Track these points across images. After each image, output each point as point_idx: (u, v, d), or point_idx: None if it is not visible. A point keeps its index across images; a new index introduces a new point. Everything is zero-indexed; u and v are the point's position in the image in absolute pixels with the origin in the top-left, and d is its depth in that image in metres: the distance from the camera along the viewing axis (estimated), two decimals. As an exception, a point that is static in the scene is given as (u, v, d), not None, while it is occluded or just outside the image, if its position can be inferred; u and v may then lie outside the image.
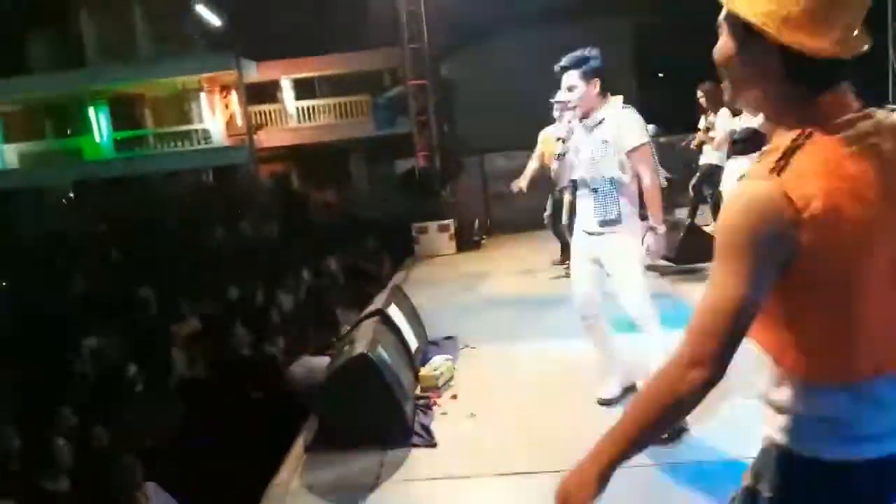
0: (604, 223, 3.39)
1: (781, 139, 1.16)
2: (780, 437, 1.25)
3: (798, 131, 1.14)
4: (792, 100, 1.17)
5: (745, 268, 1.12)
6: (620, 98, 3.44)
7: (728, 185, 5.97)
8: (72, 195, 21.14)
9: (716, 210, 7.26)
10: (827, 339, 1.16)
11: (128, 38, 20.94)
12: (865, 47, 1.15)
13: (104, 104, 20.92)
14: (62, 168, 20.41)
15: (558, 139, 3.73)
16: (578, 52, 3.40)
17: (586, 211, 3.51)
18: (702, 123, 6.97)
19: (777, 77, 1.15)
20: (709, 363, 1.14)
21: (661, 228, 3.38)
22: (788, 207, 1.08)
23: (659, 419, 1.22)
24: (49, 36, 20.73)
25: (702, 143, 6.96)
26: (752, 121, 5.74)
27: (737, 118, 5.99)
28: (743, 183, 1.16)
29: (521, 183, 6.49)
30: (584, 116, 3.44)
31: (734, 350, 1.15)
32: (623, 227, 3.37)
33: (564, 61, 3.40)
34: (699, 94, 6.83)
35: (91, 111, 20.82)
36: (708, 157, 6.93)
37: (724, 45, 1.22)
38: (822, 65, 1.12)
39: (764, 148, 1.21)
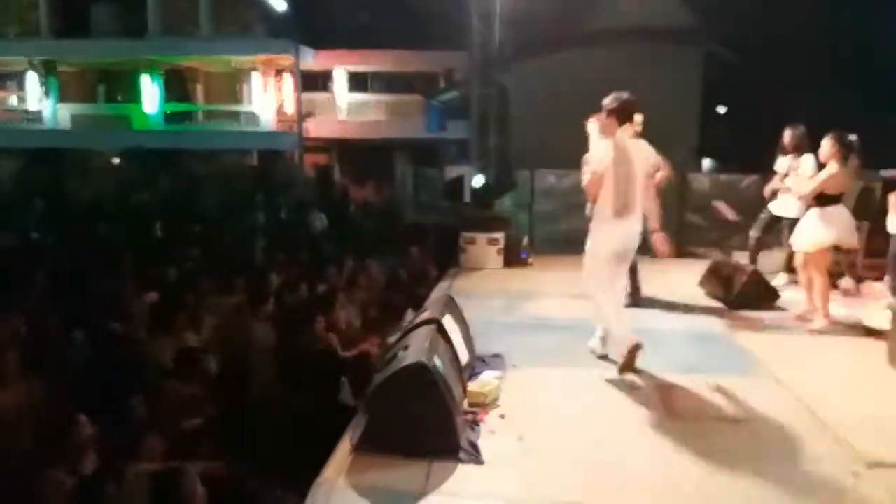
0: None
1: None
2: None
3: None
4: None
5: None
6: (623, 133, 4.63)
7: (803, 237, 5.78)
8: (117, 161, 21.41)
9: (789, 262, 7.05)
10: None
11: (189, 14, 21.35)
12: None
13: (158, 75, 21.22)
14: (111, 134, 20.76)
15: None
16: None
17: None
18: (780, 165, 6.72)
19: None
20: None
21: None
22: None
23: None
24: (113, 3, 21.15)
25: (777, 190, 6.71)
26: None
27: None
28: None
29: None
30: None
31: None
32: (592, 224, 4.75)
33: None
34: (786, 135, 6.62)
35: (145, 81, 21.10)
36: (784, 208, 6.66)
37: None
38: None
39: None
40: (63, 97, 21.83)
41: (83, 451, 3.84)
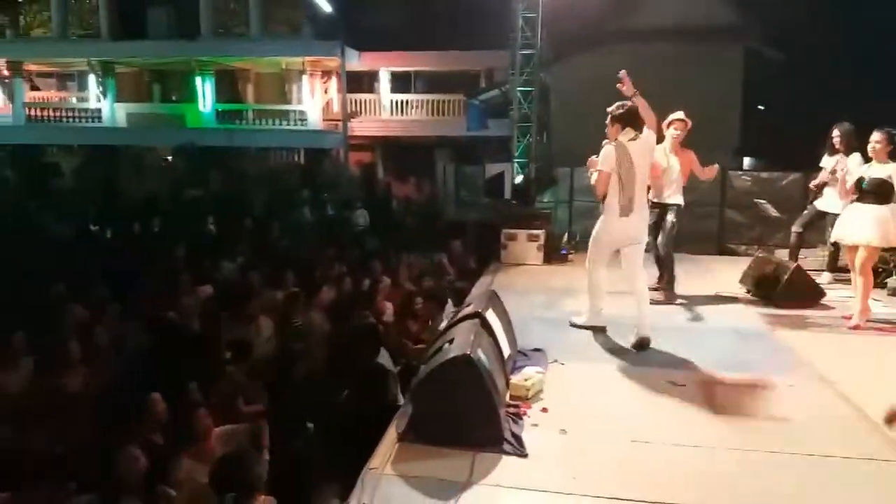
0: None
1: None
2: None
3: None
4: None
5: None
6: (625, 136, 5.05)
7: (843, 232, 5.74)
8: (169, 158, 22.01)
9: (833, 260, 6.99)
10: None
11: (239, 13, 21.86)
12: None
13: (210, 75, 21.78)
14: (165, 131, 21.41)
15: None
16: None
17: None
18: (826, 163, 6.64)
19: None
20: None
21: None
22: None
23: None
24: (168, 7, 21.82)
25: (823, 186, 6.65)
26: (882, 170, 5.50)
27: (865, 165, 5.73)
28: None
29: None
30: None
31: None
32: (602, 217, 5.31)
33: None
34: (835, 133, 6.54)
35: (198, 81, 21.68)
36: (830, 204, 6.59)
37: None
38: None
39: None
40: (120, 97, 22.66)
41: (157, 426, 4.04)
